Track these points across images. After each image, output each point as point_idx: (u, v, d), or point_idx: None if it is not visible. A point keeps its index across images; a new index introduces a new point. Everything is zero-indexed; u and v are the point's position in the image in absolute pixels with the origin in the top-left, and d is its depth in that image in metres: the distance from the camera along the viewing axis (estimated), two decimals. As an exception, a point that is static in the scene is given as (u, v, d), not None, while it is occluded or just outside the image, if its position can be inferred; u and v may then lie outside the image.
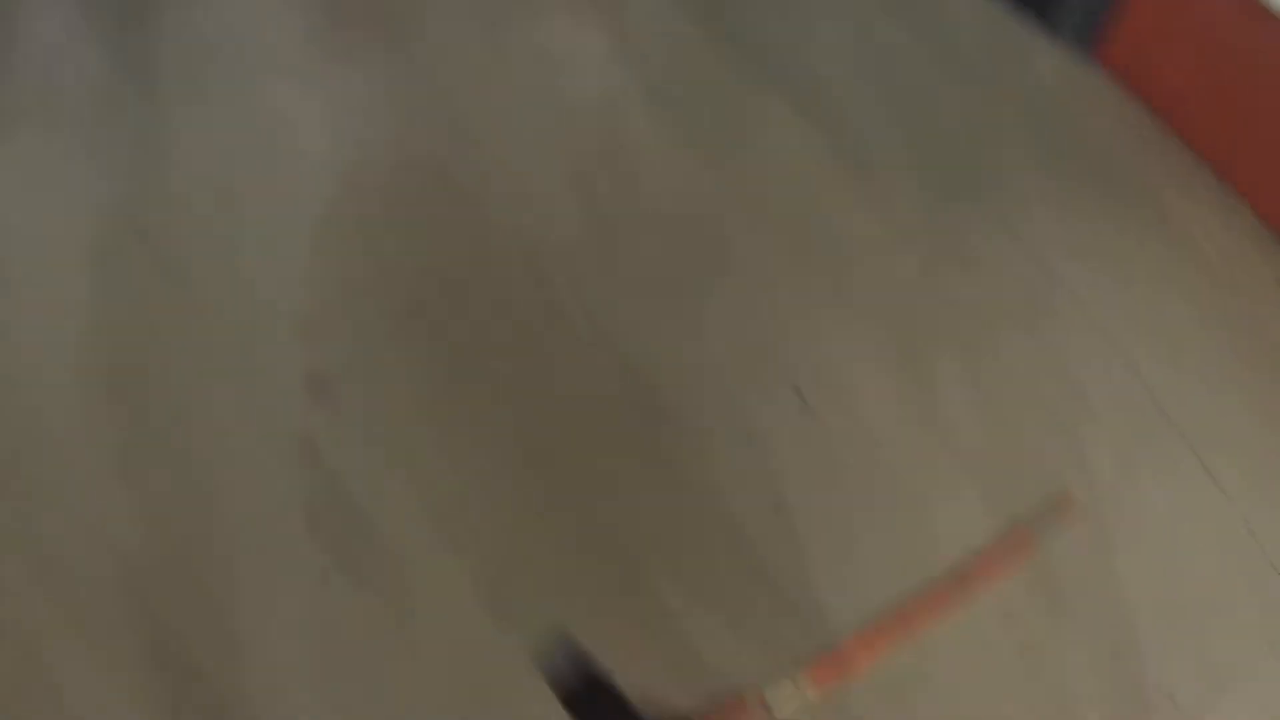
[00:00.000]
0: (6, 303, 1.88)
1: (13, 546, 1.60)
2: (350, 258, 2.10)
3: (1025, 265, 2.67)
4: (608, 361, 2.05)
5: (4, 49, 2.39)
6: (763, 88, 2.81)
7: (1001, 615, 1.89)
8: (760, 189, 2.60)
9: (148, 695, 1.48)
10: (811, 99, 2.83)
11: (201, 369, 1.84)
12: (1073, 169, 3.09)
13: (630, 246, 2.31)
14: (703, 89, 2.74)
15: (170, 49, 2.54)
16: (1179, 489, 2.21)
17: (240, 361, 1.85)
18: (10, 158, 2.15)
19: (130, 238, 2.06)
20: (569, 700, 1.54)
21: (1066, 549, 2.07)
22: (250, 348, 1.87)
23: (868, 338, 2.36)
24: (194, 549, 1.66)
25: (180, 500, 1.73)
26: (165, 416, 1.79)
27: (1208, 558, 2.18)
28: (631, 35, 2.84)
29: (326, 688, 1.54)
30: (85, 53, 2.43)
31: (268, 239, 2.13)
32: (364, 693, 1.51)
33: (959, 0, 3.23)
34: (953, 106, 3.00)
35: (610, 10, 2.93)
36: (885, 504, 2.01)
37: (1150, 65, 3.14)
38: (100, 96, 2.36)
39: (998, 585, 1.95)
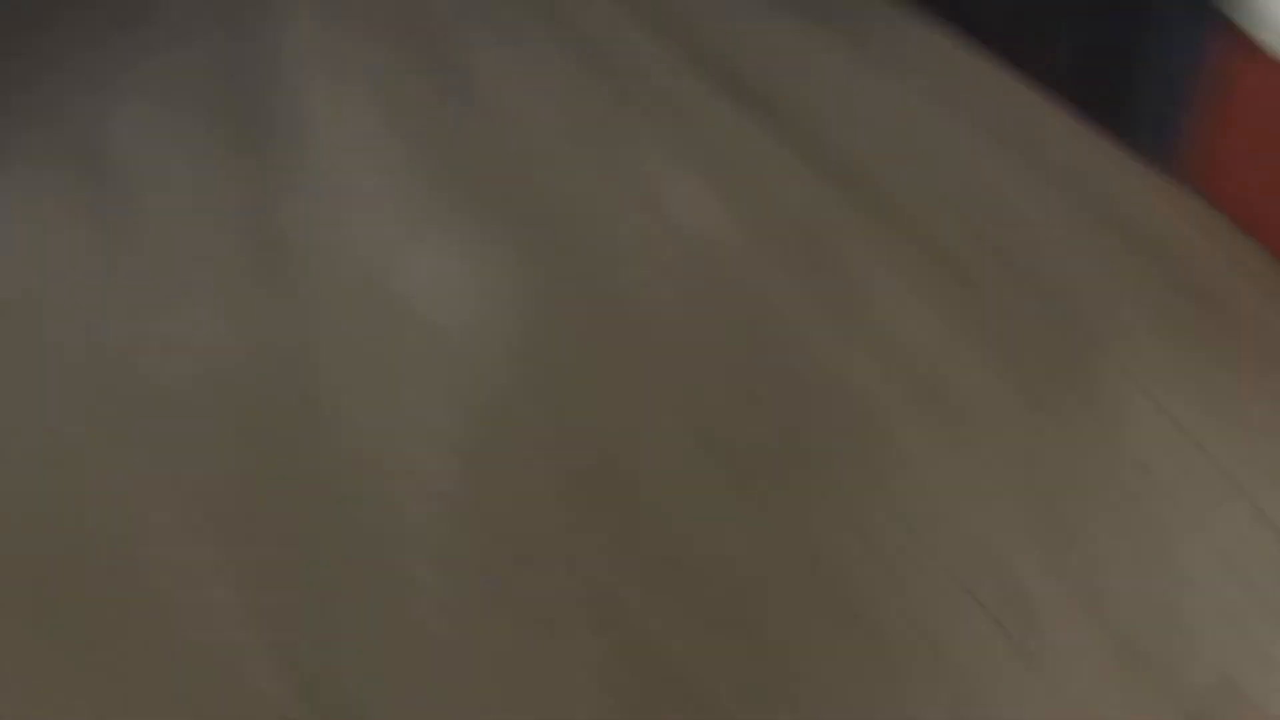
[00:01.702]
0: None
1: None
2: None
3: (1156, 425, 2.17)
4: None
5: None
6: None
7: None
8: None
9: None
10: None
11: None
12: (1189, 313, 2.63)
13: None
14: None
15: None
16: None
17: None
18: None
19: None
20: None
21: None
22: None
23: (1029, 528, 1.83)
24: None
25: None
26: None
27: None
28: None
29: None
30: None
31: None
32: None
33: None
34: (1050, 232, 2.53)
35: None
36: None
37: (1250, 187, 2.65)
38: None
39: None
